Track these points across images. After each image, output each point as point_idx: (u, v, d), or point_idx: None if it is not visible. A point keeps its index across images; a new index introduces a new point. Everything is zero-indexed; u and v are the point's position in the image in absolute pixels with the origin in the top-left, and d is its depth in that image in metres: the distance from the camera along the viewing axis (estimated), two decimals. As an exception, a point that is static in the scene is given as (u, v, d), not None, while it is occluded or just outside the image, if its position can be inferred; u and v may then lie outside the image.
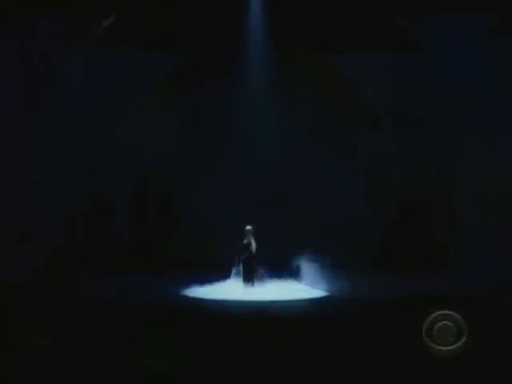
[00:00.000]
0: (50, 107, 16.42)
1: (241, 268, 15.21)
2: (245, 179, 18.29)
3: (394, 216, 18.35)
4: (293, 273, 15.45)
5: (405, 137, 18.35)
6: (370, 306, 12.75)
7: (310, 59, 18.49)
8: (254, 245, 15.50)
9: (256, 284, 15.20)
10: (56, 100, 16.62)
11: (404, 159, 18.41)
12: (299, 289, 14.99)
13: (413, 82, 17.96)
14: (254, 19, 18.11)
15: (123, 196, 18.50)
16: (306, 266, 15.29)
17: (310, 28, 17.46)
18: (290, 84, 18.64)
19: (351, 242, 18.04)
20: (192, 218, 18.66)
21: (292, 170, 18.78)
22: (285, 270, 15.42)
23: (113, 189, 18.33)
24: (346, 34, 17.36)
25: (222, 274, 15.39)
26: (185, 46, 17.90)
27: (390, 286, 14.99)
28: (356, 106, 18.87)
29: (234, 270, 15.09)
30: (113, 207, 18.20)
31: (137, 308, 12.36)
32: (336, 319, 11.73)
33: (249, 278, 15.30)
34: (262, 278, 15.18)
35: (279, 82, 18.31)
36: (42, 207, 16.23)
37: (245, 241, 15.53)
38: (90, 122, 17.39)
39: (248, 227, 15.75)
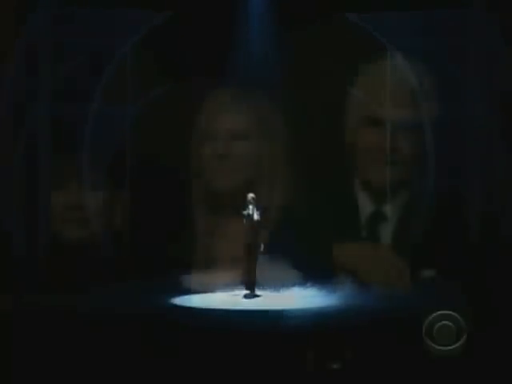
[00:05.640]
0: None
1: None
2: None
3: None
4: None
5: (444, 114, 16.70)
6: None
7: (328, 21, 17.02)
8: (256, 216, 14.50)
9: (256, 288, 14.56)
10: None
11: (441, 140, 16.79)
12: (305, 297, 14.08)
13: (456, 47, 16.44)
14: None
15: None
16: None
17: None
18: (303, 54, 17.24)
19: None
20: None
21: (309, 153, 17.62)
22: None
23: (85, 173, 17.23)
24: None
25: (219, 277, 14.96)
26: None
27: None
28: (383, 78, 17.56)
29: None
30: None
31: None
32: (346, 330, 11.09)
33: (250, 283, 14.52)
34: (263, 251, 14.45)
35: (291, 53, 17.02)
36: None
37: (245, 211, 14.46)
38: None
39: (250, 195, 14.45)
